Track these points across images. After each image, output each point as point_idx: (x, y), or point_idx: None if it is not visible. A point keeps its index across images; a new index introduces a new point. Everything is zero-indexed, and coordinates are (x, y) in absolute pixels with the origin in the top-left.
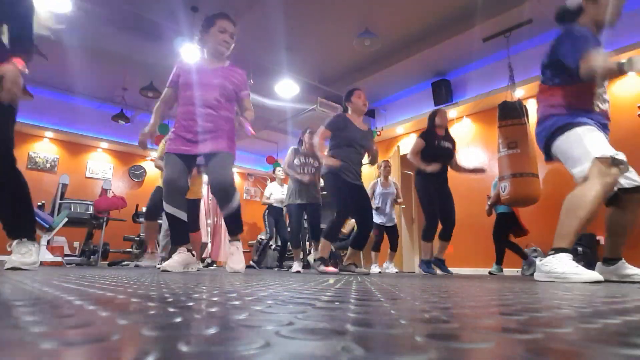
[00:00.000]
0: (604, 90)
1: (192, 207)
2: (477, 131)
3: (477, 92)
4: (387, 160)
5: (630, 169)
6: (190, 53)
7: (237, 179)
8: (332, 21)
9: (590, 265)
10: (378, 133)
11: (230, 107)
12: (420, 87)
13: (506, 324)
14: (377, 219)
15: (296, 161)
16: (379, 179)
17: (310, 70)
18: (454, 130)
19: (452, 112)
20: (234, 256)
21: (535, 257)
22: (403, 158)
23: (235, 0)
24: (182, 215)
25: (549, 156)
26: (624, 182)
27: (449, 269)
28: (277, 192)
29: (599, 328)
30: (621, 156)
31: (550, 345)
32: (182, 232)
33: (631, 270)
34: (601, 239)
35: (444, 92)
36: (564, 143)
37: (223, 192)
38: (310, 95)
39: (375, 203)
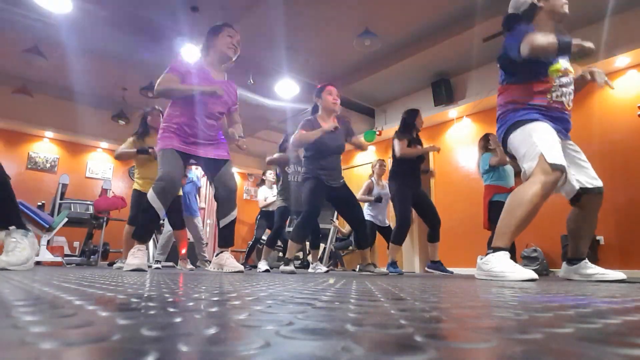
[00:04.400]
0: (565, 82)
1: (178, 204)
2: (477, 131)
3: (477, 92)
4: (382, 160)
5: (590, 170)
6: (190, 53)
7: (237, 179)
8: (332, 21)
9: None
10: (378, 133)
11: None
12: (420, 87)
13: (506, 324)
14: (370, 217)
15: (290, 169)
16: (373, 179)
17: (310, 70)
18: (454, 130)
19: (452, 112)
20: (229, 259)
21: (536, 257)
22: None
23: (236, 0)
24: (162, 214)
25: (507, 150)
26: (585, 182)
27: (449, 268)
28: (269, 196)
29: (599, 328)
30: (561, 163)
31: (550, 345)
32: (154, 230)
33: (592, 269)
34: (601, 238)
35: (444, 92)
36: (516, 139)
37: (230, 200)
38: (310, 95)
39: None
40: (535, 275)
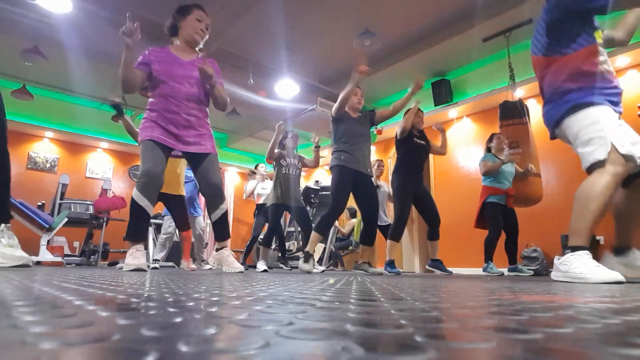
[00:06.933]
0: (605, 59)
1: (181, 204)
2: (477, 131)
3: (477, 92)
4: (381, 160)
5: None
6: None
7: (237, 179)
8: (332, 21)
9: None
10: (378, 132)
11: (208, 102)
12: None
13: (506, 324)
14: None
15: (282, 162)
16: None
17: (310, 70)
18: (454, 130)
19: (452, 112)
20: (229, 258)
21: (536, 257)
22: None
23: (236, 0)
24: (151, 211)
25: (554, 135)
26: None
27: (449, 268)
28: (257, 188)
29: (599, 328)
30: (633, 154)
31: (550, 345)
32: (146, 228)
33: None
34: (601, 238)
35: (444, 92)
36: (578, 123)
37: (216, 195)
38: (310, 95)
39: None
40: (622, 278)
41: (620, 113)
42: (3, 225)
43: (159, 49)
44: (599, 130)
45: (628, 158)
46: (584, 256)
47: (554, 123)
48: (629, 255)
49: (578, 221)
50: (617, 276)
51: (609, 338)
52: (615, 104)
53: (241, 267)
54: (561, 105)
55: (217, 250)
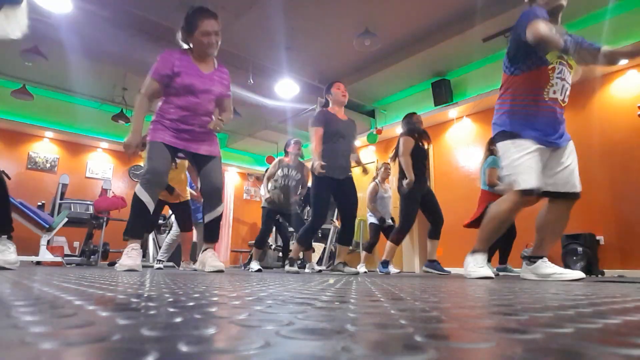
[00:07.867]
0: (563, 73)
1: (186, 208)
2: (477, 131)
3: (477, 92)
4: (387, 163)
5: (572, 176)
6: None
7: (237, 179)
8: (332, 21)
9: (590, 265)
10: (377, 131)
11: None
12: (420, 87)
13: (506, 324)
14: (372, 219)
15: (279, 172)
16: (377, 181)
17: (310, 70)
18: (454, 130)
19: (452, 112)
20: (210, 258)
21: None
22: None
23: (236, 0)
24: (152, 208)
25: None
26: (560, 187)
27: (447, 268)
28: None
29: (599, 328)
30: (532, 188)
31: (550, 345)
32: (145, 225)
33: (550, 269)
34: (601, 238)
35: (444, 92)
36: (502, 149)
37: (216, 197)
38: (310, 95)
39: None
40: (491, 274)
41: (554, 145)
42: None
43: (180, 54)
44: (512, 160)
45: (527, 193)
46: (479, 258)
47: (493, 138)
48: (538, 263)
49: (481, 233)
50: (488, 273)
51: (609, 338)
52: (545, 133)
53: (222, 265)
54: (497, 125)
55: (202, 251)
